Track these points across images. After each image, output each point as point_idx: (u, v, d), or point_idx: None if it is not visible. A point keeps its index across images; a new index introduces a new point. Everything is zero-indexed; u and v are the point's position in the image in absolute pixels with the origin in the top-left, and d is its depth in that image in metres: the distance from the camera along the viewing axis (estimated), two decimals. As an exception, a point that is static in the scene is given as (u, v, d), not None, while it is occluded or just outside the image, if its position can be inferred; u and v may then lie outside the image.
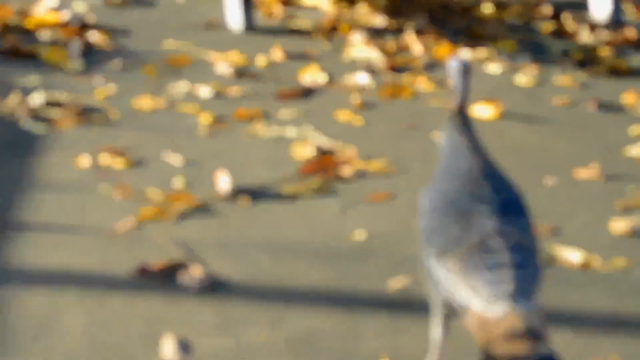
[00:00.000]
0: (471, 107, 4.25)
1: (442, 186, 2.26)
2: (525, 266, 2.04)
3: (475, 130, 2.23)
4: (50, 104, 4.01)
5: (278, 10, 5.48)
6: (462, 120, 2.22)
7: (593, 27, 5.52)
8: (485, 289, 1.99)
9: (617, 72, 4.85)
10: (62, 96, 4.11)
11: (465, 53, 2.05)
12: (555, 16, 5.69)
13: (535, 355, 1.95)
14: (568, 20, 5.63)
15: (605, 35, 5.41)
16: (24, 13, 5.07)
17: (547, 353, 1.94)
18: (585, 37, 5.36)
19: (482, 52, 4.97)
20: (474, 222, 2.14)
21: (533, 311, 1.99)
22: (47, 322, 2.56)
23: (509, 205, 2.18)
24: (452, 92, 2.20)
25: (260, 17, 5.28)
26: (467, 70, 2.19)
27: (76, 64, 4.48)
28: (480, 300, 1.98)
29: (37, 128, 3.78)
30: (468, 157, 2.27)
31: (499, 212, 2.16)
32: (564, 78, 4.72)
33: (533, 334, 1.95)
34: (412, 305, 2.79)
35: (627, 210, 3.45)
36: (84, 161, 3.52)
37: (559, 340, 2.54)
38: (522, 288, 2.00)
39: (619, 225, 3.29)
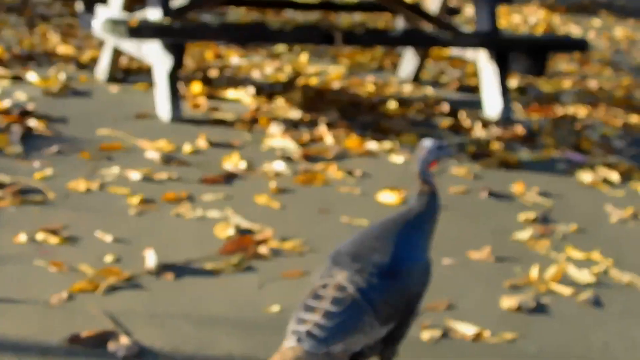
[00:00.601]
0: (378, 193, 4.40)
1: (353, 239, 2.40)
2: (335, 317, 2.17)
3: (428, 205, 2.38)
4: (-8, 184, 4.06)
5: (203, 102, 5.57)
6: (425, 197, 2.37)
7: (485, 123, 5.70)
8: (291, 325, 2.20)
9: (507, 165, 5.00)
10: (2, 177, 4.14)
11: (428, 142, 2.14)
12: (453, 113, 5.86)
13: None
14: (463, 117, 5.81)
15: (496, 131, 5.58)
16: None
17: None
18: (478, 132, 5.52)
19: (387, 144, 5.09)
20: (333, 271, 2.31)
21: (314, 352, 2.14)
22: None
23: (377, 266, 2.28)
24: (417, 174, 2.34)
25: (187, 109, 5.35)
26: (427, 157, 2.33)
27: (16, 148, 4.52)
28: (286, 334, 2.21)
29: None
30: (390, 219, 2.43)
31: (362, 269, 2.28)
32: (460, 169, 4.85)
33: None
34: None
35: (514, 289, 3.58)
36: (22, 238, 3.60)
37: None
38: (318, 333, 2.14)
39: (508, 302, 3.43)
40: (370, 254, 2.34)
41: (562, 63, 7.71)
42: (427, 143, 2.36)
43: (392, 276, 2.30)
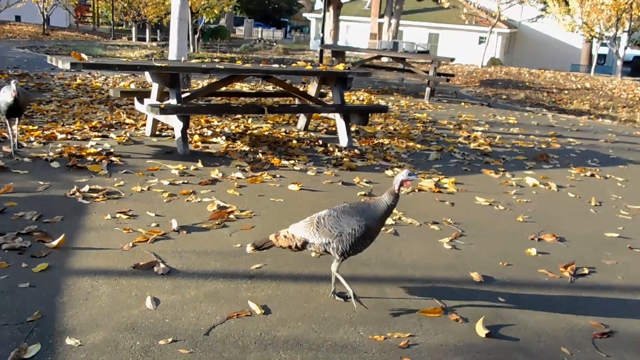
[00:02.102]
0: (288, 185, 4.41)
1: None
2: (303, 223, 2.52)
3: (392, 201, 2.40)
4: (92, 190, 3.92)
5: (200, 144, 5.52)
6: (393, 197, 2.40)
7: (340, 149, 5.75)
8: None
9: (351, 169, 5.05)
10: (97, 186, 4.01)
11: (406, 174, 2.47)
12: (324, 145, 5.91)
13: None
14: (330, 146, 5.87)
15: (345, 152, 5.64)
16: (80, 148, 5.00)
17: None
18: (337, 153, 5.57)
19: (292, 161, 5.12)
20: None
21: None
22: (90, 290, 2.59)
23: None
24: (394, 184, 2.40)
25: (191, 148, 5.30)
26: (401, 178, 2.40)
27: (104, 171, 4.40)
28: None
29: (84, 202, 3.71)
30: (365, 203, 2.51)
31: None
32: (328, 172, 4.89)
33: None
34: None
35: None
36: (108, 216, 3.48)
37: None
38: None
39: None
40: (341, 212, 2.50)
41: (376, 118, 7.81)
42: (404, 171, 2.43)
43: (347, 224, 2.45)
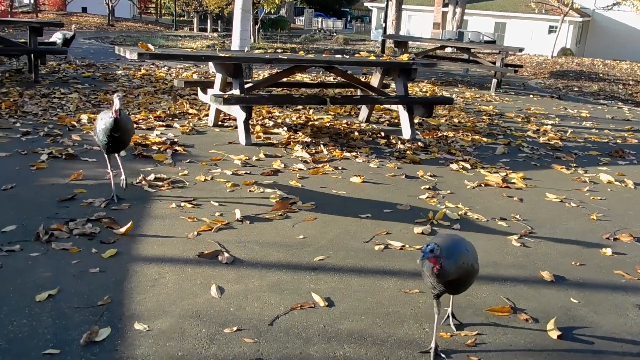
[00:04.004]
0: (350, 178, 4.41)
1: None
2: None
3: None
4: (157, 179, 4.07)
5: (261, 135, 5.59)
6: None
7: (403, 141, 5.72)
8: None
9: (414, 161, 5.01)
10: (162, 175, 4.14)
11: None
12: (387, 137, 5.88)
13: None
14: (392, 138, 5.83)
15: (408, 145, 5.60)
16: (145, 138, 5.15)
17: None
18: (400, 146, 5.53)
19: (354, 153, 5.12)
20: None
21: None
22: (157, 277, 2.69)
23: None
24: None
25: (253, 139, 5.36)
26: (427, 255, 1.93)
27: (169, 160, 4.52)
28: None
29: (150, 190, 3.86)
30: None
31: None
32: (390, 164, 4.87)
33: None
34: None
35: (420, 223, 3.55)
36: (173, 205, 3.61)
37: None
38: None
39: (417, 229, 3.42)
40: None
41: (440, 110, 7.69)
42: (429, 246, 1.94)
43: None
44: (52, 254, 2.83)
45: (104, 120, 3.26)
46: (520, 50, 10.88)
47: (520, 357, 2.22)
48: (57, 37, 9.96)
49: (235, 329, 2.27)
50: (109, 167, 3.58)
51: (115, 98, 3.17)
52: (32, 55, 8.08)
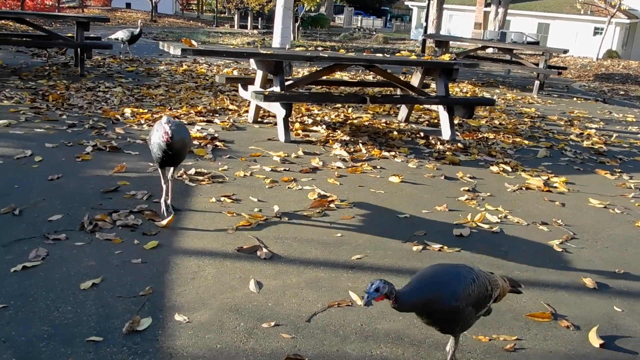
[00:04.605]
0: (388, 177, 4.39)
1: None
2: None
3: None
4: (198, 173, 4.12)
5: (300, 132, 5.61)
6: None
7: (442, 142, 5.67)
8: None
9: (453, 162, 4.96)
10: (203, 169, 4.19)
11: None
12: (426, 137, 5.84)
13: None
14: (431, 138, 5.79)
15: (448, 146, 5.55)
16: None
17: None
18: (439, 146, 5.49)
19: (392, 152, 5.10)
20: None
21: None
22: (197, 270, 2.73)
23: None
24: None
25: (292, 136, 5.38)
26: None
27: (209, 155, 4.58)
28: None
29: (190, 184, 3.92)
30: None
31: None
32: (429, 165, 4.83)
33: None
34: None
35: (459, 225, 3.53)
36: (213, 199, 3.65)
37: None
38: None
39: (456, 231, 3.40)
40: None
41: (480, 111, 7.60)
42: (375, 284, 1.75)
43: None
44: (96, 243, 2.89)
45: (159, 133, 2.98)
46: (565, 51, 10.67)
47: (561, 364, 2.18)
48: (123, 34, 10.15)
49: (273, 324, 2.29)
50: (162, 180, 3.33)
51: (165, 124, 2.93)
52: (78, 49, 8.27)
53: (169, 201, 3.35)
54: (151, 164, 4.17)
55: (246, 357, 2.08)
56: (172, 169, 3.28)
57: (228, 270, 2.72)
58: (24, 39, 8.99)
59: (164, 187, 3.30)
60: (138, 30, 10.29)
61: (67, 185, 3.68)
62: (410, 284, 1.82)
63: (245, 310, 2.38)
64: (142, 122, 5.48)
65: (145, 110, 5.93)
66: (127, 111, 5.84)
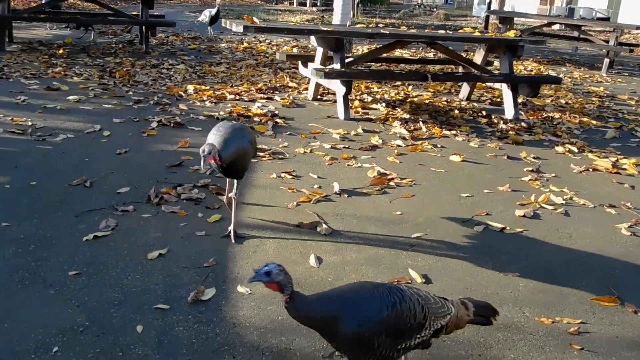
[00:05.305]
0: (449, 156, 4.33)
1: None
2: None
3: None
4: (259, 149, 4.12)
5: (360, 110, 5.59)
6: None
7: (505, 121, 5.53)
8: None
9: (517, 142, 4.84)
10: (264, 146, 4.23)
11: None
12: (488, 116, 5.70)
13: None
14: (494, 117, 5.65)
15: (511, 125, 5.42)
16: (247, 109, 5.29)
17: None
18: (502, 125, 5.36)
19: (453, 131, 5.02)
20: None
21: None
22: (258, 244, 2.78)
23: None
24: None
25: (352, 113, 5.37)
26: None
27: (269, 132, 4.63)
28: None
29: (252, 160, 3.96)
30: None
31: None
32: (492, 144, 4.73)
33: None
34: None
35: (522, 205, 3.47)
36: (273, 175, 3.70)
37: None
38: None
39: (519, 212, 3.35)
40: None
41: (545, 90, 7.36)
42: (270, 267, 1.52)
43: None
44: (162, 216, 2.99)
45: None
46: (638, 28, 10.16)
47: (627, 350, 2.13)
48: (204, 15, 10.60)
49: (333, 298, 2.31)
50: (226, 191, 2.98)
51: (202, 161, 2.45)
52: (143, 27, 8.46)
53: (231, 234, 2.82)
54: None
55: (306, 329, 2.11)
56: (234, 181, 2.79)
57: (289, 244, 2.76)
58: (93, 17, 9.26)
59: (233, 201, 2.81)
60: (215, 10, 10.55)
61: (134, 159, 3.80)
62: (318, 294, 1.60)
63: (305, 284, 2.41)
64: (205, 98, 5.58)
65: (208, 87, 6.03)
66: (190, 88, 5.95)
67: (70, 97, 5.23)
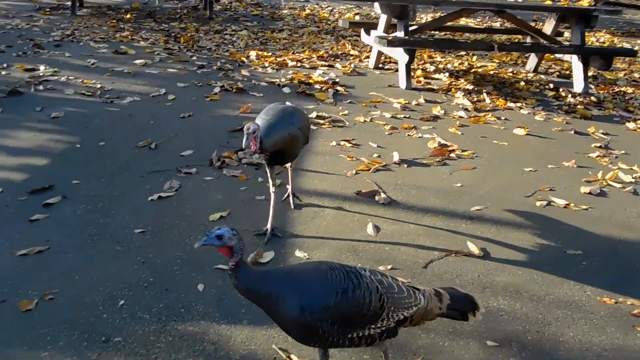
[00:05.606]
0: (513, 129, 4.21)
1: None
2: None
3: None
4: (319, 117, 4.18)
5: (422, 80, 5.50)
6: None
7: (574, 95, 5.32)
8: None
9: (585, 117, 4.65)
10: (324, 114, 4.24)
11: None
12: (556, 89, 5.50)
13: None
14: (562, 90, 5.45)
15: (580, 99, 5.21)
16: (308, 76, 5.29)
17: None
18: (570, 99, 5.17)
19: (518, 104, 4.88)
20: None
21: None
22: (317, 210, 2.81)
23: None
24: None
25: (414, 83, 5.28)
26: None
27: (330, 99, 4.62)
28: None
29: (312, 127, 3.97)
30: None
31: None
32: (558, 118, 4.57)
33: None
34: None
35: (588, 182, 3.36)
36: (333, 143, 3.71)
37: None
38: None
39: (584, 189, 3.24)
40: None
41: (617, 63, 7.02)
42: (222, 230, 1.46)
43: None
44: (224, 179, 3.05)
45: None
46: None
47: (695, 335, 2.05)
48: None
49: (389, 267, 2.32)
50: (270, 183, 2.52)
51: (245, 138, 2.23)
52: (207, -8, 8.52)
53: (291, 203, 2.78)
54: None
55: (363, 296, 2.12)
56: (288, 164, 2.63)
57: (346, 212, 2.77)
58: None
59: (272, 198, 2.53)
60: None
61: (197, 123, 3.87)
62: (265, 269, 1.44)
63: (362, 252, 2.43)
64: (266, 65, 5.60)
65: (269, 54, 6.05)
66: (252, 54, 5.98)
67: (137, 61, 5.35)
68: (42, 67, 4.95)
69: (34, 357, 1.76)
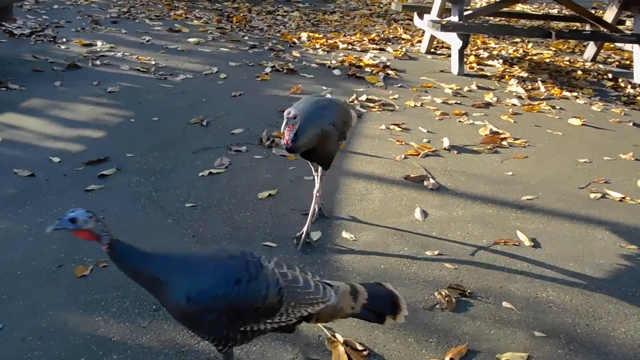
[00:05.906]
0: (568, 119, 4.10)
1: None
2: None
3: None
4: (369, 100, 4.16)
5: (475, 66, 5.39)
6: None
7: (634, 85, 5.13)
8: None
9: (646, 108, 4.51)
10: (373, 97, 4.22)
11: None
12: (614, 79, 5.31)
13: None
14: (621, 81, 5.26)
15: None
16: (359, 59, 5.26)
17: None
18: (629, 90, 4.98)
19: (574, 93, 4.73)
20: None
21: None
22: (364, 193, 2.80)
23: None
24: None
25: (466, 69, 5.19)
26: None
27: (380, 83, 4.59)
28: None
29: (362, 111, 3.97)
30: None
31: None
32: (616, 109, 4.42)
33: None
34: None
35: (644, 176, 3.27)
36: (382, 126, 3.68)
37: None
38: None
39: None
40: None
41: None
42: (76, 212, 1.30)
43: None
44: (272, 158, 3.07)
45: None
46: None
47: None
48: None
49: (436, 253, 2.31)
50: (315, 179, 2.38)
51: (284, 123, 2.05)
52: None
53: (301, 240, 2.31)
54: (324, 87, 4.28)
55: (409, 280, 2.12)
56: (319, 168, 2.33)
57: (394, 196, 2.76)
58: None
59: (314, 199, 2.38)
60: None
61: (247, 102, 3.91)
62: (151, 251, 1.37)
63: (409, 236, 2.41)
64: (317, 47, 5.59)
65: (321, 36, 6.03)
66: (304, 35, 5.97)
67: (190, 40, 5.41)
68: (99, 43, 5.06)
69: (88, 320, 1.83)
